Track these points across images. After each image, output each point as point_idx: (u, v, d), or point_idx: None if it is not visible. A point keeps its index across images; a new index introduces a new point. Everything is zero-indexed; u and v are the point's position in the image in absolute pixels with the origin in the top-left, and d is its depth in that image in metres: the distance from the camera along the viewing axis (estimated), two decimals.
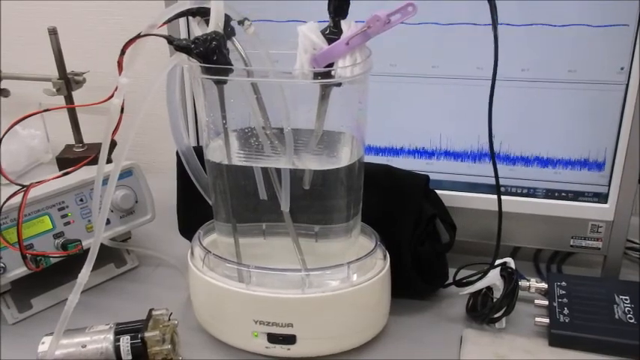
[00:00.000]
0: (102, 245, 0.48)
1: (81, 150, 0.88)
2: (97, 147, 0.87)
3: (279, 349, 0.52)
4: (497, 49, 0.47)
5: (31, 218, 0.58)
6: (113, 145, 0.69)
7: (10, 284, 0.58)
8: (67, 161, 0.86)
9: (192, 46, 0.45)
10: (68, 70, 0.85)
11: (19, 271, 0.57)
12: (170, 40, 0.46)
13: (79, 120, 0.88)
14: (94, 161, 0.47)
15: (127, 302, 0.62)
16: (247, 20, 0.49)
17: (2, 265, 0.55)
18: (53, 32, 0.81)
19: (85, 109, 0.88)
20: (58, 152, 0.89)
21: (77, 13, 0.93)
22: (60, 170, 0.64)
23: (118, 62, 0.45)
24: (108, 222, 0.63)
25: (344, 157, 0.51)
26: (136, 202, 0.65)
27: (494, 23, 0.46)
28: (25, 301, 0.60)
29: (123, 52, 0.44)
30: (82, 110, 0.88)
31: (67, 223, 0.60)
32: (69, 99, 0.86)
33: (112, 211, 0.63)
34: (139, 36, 0.44)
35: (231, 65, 0.46)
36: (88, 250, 0.45)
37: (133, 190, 0.65)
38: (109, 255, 0.66)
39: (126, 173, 0.64)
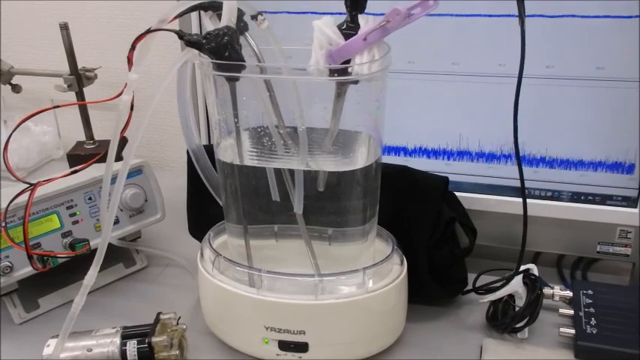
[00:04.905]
0: (111, 245, 0.47)
1: (92, 147, 0.87)
2: (108, 143, 0.86)
3: (290, 357, 0.50)
4: (524, 45, 0.45)
5: (39, 217, 0.57)
6: (124, 142, 0.68)
7: (17, 283, 0.57)
8: (77, 158, 0.85)
9: (204, 41, 0.44)
10: (79, 65, 0.84)
11: (27, 270, 0.56)
12: (181, 35, 0.45)
13: (91, 116, 0.87)
14: (105, 158, 0.46)
15: (135, 303, 0.61)
16: (261, 15, 0.48)
17: (9, 264, 0.54)
18: (65, 28, 0.81)
19: (97, 105, 0.87)
20: (69, 148, 0.88)
21: (89, 8, 0.93)
22: (70, 167, 0.63)
23: (127, 57, 0.44)
24: (117, 221, 0.62)
25: (360, 158, 0.49)
26: (146, 201, 0.64)
27: (522, 16, 0.44)
28: (33, 301, 0.59)
29: (133, 48, 0.43)
30: (94, 106, 0.87)
31: (75, 222, 0.59)
32: (80, 95, 0.85)
33: (121, 210, 0.62)
34: (149, 31, 0.43)
35: (244, 61, 0.45)
36: (96, 249, 0.44)
37: (142, 189, 0.63)
38: (118, 255, 0.65)
39: (136, 171, 0.63)
